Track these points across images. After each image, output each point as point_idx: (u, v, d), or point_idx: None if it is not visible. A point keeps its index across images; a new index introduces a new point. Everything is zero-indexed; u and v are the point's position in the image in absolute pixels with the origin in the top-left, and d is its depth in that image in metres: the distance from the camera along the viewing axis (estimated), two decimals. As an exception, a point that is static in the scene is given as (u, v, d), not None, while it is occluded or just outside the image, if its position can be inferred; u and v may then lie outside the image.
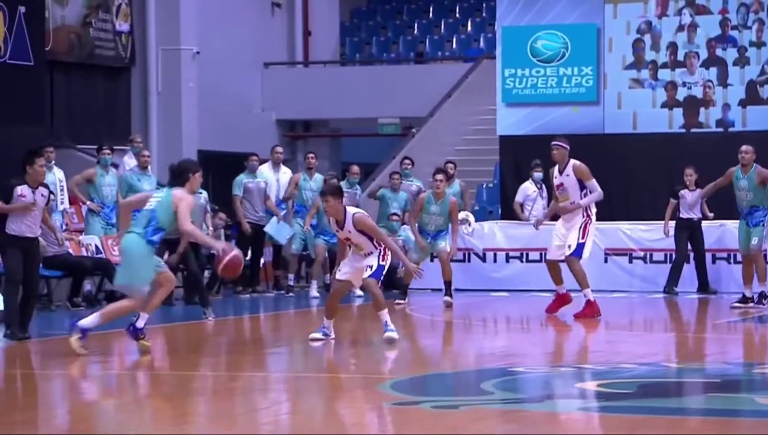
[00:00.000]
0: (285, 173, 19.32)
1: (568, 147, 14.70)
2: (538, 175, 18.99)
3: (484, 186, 22.99)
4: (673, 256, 17.92)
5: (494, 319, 16.35)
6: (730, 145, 19.65)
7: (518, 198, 19.22)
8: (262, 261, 18.88)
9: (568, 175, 14.51)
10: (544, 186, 18.94)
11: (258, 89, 25.38)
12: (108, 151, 17.41)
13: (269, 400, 9.50)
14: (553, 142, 14.79)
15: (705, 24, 19.79)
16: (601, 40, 20.10)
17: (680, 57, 19.91)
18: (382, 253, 12.08)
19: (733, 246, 17.95)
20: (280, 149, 19.73)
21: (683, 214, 17.68)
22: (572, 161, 14.61)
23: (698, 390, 9.75)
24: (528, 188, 19.23)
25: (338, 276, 12.28)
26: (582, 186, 14.47)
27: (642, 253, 18.30)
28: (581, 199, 14.43)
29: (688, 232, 17.70)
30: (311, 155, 19.27)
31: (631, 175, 19.56)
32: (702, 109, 19.85)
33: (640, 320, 15.12)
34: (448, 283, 16.43)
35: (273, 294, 18.77)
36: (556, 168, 14.72)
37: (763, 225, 15.34)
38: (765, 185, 15.37)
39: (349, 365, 11.42)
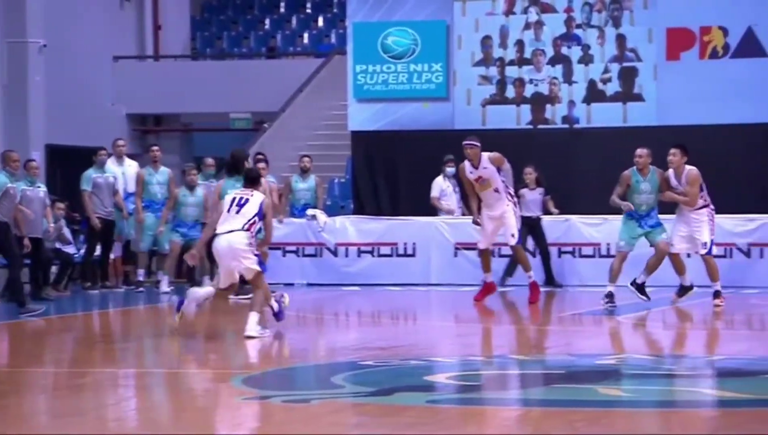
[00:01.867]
0: (130, 166, 19.21)
1: (479, 144, 15.26)
2: (450, 170, 19.07)
3: (336, 181, 23.09)
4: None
5: (346, 313, 16.45)
6: (576, 141, 20.13)
7: (434, 193, 19.24)
8: (111, 256, 18.69)
9: (486, 168, 15.22)
10: (455, 181, 19.06)
11: (108, 83, 25.08)
12: None
13: (118, 397, 9.43)
14: (466, 142, 15.34)
15: (551, 22, 20.19)
16: (450, 37, 20.36)
17: (527, 54, 20.26)
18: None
19: (579, 240, 18.36)
20: (122, 142, 19.54)
21: (524, 213, 17.91)
22: (485, 154, 15.21)
23: (542, 381, 9.96)
24: (442, 183, 19.30)
25: None
26: (499, 171, 15.25)
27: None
28: (501, 183, 15.27)
29: (528, 230, 17.98)
30: (155, 148, 19.13)
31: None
32: (548, 106, 20.24)
33: (489, 313, 15.35)
34: None
35: (123, 289, 18.61)
36: (468, 164, 15.20)
37: (659, 224, 15.18)
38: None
39: (200, 361, 11.39)
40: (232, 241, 12.07)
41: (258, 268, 12.16)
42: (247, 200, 12.22)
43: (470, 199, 15.70)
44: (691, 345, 12.77)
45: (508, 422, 8.23)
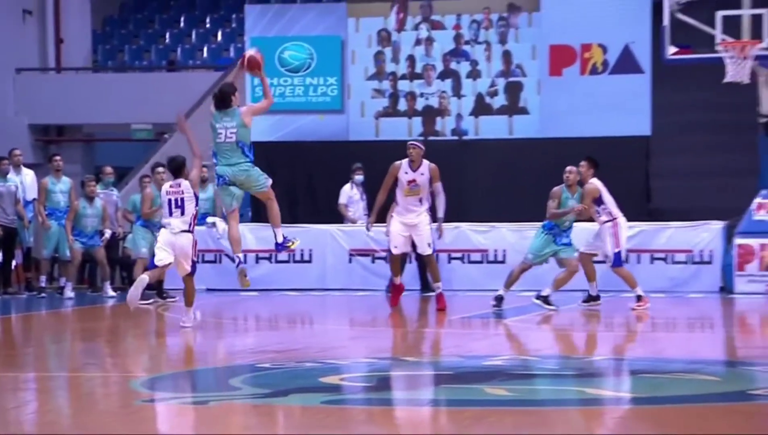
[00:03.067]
0: (27, 175, 18.99)
1: (424, 148, 15.00)
2: (359, 178, 19.04)
3: (235, 190, 22.94)
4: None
5: (244, 318, 16.34)
6: (465, 152, 20.26)
7: (342, 200, 19.17)
8: (14, 263, 18.40)
9: (423, 174, 14.90)
10: (363, 188, 19.01)
11: (10, 94, 24.68)
12: None
13: (18, 400, 9.25)
14: (411, 143, 15.14)
15: (440, 38, 20.31)
16: (344, 52, 20.38)
17: (418, 69, 20.35)
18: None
19: (467, 247, 18.47)
20: (18, 151, 19.27)
21: None
22: (426, 161, 14.93)
23: (432, 382, 9.98)
24: (349, 191, 19.22)
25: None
26: (431, 184, 14.95)
27: (384, 254, 18.61)
28: (427, 196, 14.99)
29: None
30: (57, 158, 18.87)
31: (374, 180, 19.82)
32: (438, 119, 20.35)
33: (383, 317, 15.36)
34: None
35: (25, 295, 18.32)
36: (406, 164, 14.87)
37: (570, 244, 15.21)
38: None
39: (101, 364, 11.23)
40: (183, 244, 12.87)
41: (189, 270, 13.00)
42: (182, 199, 12.83)
43: (379, 199, 15.18)
44: (573, 346, 12.89)
45: (399, 422, 8.23)
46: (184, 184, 12.92)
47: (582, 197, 15.01)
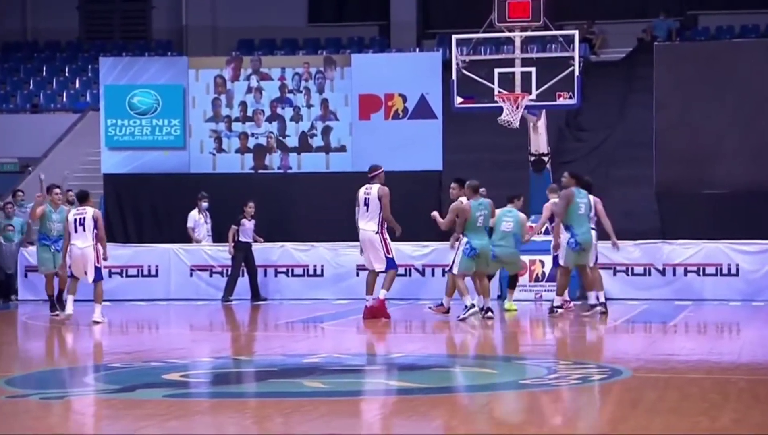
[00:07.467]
0: None
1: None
2: (204, 204, 18.78)
3: (91, 215, 22.49)
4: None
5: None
6: (290, 183, 20.24)
7: (189, 224, 18.78)
8: None
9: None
10: (208, 213, 18.66)
11: None
12: None
13: None
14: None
15: (268, 88, 20.30)
16: (186, 98, 20.19)
17: (249, 113, 20.29)
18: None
19: (291, 262, 18.43)
20: None
21: (242, 238, 17.95)
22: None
23: (260, 377, 9.93)
24: (195, 216, 18.84)
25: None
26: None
27: (220, 269, 18.46)
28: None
29: (244, 253, 17.95)
30: None
31: (213, 206, 19.67)
32: (267, 155, 20.30)
33: (219, 322, 15.21)
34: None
35: None
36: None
37: None
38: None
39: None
40: (86, 254, 13.96)
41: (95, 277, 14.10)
42: (84, 218, 13.89)
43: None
44: (378, 345, 12.98)
45: (230, 411, 8.16)
46: (89, 209, 13.96)
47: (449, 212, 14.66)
